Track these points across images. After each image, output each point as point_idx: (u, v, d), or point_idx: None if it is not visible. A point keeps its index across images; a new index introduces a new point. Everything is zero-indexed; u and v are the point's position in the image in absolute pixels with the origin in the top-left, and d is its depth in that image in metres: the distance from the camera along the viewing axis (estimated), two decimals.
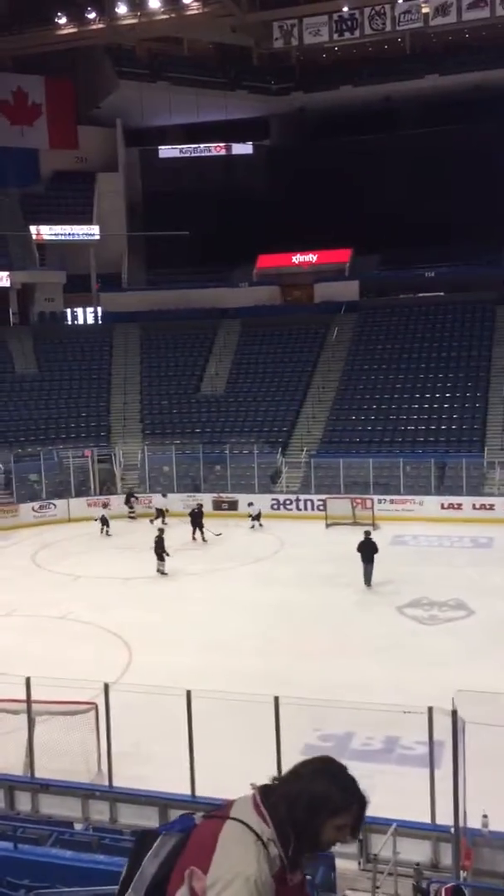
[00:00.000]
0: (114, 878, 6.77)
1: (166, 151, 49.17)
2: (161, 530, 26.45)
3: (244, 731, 12.69)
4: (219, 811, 1.77)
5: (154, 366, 41.50)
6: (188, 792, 11.15)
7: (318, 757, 1.95)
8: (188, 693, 11.35)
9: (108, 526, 30.74)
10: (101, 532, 30.72)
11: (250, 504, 31.98)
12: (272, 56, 45.61)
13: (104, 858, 7.60)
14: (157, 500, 32.96)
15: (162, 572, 24.97)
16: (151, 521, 30.35)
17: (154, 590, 23.86)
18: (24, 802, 11.73)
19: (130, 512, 33.13)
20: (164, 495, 33.20)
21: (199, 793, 11.11)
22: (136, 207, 48.10)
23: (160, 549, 25.08)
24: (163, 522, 29.58)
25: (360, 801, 1.83)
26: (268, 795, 1.77)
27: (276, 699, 10.94)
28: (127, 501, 33.48)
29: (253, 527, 30.60)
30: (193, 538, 28.72)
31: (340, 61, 45.09)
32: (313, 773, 1.80)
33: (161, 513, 31.29)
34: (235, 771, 11.86)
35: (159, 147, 49.15)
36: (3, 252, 43.62)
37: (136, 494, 33.77)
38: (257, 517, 30.89)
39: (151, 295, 45.03)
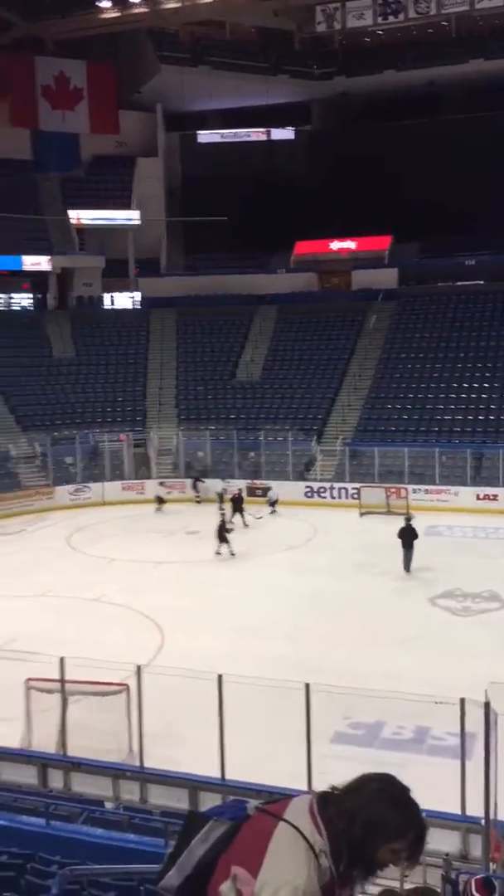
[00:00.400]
0: (144, 857, 6.86)
1: (206, 136, 49.04)
2: (223, 514, 26.78)
3: (274, 717, 12.74)
4: (273, 806, 1.74)
5: (190, 351, 41.56)
6: (218, 775, 11.23)
7: (380, 775, 1.87)
8: (219, 677, 11.42)
9: (162, 503, 30.94)
10: (156, 509, 31.54)
11: (269, 489, 31.98)
12: (314, 40, 45.21)
13: (134, 838, 7.71)
14: (218, 485, 32.79)
15: (231, 553, 25.24)
16: (220, 509, 30.33)
17: (187, 574, 23.99)
18: (56, 780, 11.91)
19: (197, 496, 33.20)
20: (225, 480, 33.20)
21: (228, 776, 11.18)
22: (174, 192, 48.08)
23: (223, 533, 25.35)
24: (220, 508, 29.52)
25: (419, 829, 1.77)
26: (325, 805, 1.73)
27: (307, 686, 10.96)
28: (194, 486, 33.55)
29: (272, 512, 30.50)
30: (244, 524, 28.73)
31: (384, 45, 44.56)
32: (374, 794, 1.73)
33: (221, 497, 31.38)
34: (265, 756, 12.00)
35: (199, 132, 49.02)
36: (44, 237, 43.90)
37: (202, 479, 33.75)
38: (274, 503, 30.80)
39: (189, 280, 45.04)
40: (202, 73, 43.88)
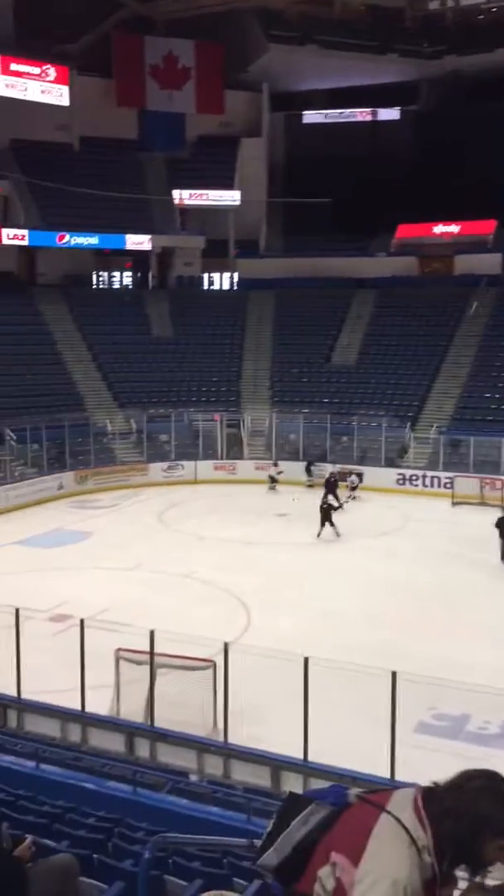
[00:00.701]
0: (226, 830, 7.00)
1: (311, 117, 48.63)
2: (328, 497, 26.86)
3: (357, 702, 12.76)
4: (376, 796, 1.74)
5: (286, 333, 41.53)
6: (300, 756, 11.33)
7: (483, 771, 1.84)
8: (306, 660, 11.50)
9: (276, 482, 31.41)
10: (269, 489, 32.14)
11: (348, 474, 31.62)
12: (425, 18, 44.17)
13: (217, 811, 7.87)
14: (327, 469, 32.56)
15: (336, 534, 25.59)
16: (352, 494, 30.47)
17: (275, 556, 24.14)
18: (142, 749, 12.25)
19: (309, 480, 32.76)
20: (334, 464, 33.12)
21: (310, 758, 11.27)
22: (277, 173, 47.92)
23: (328, 514, 25.66)
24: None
25: None
26: (429, 801, 1.71)
27: (394, 674, 10.94)
28: (307, 470, 33.24)
29: (354, 497, 30.19)
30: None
31: (496, 23, 43.15)
32: (477, 791, 1.71)
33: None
34: (347, 740, 12.04)
35: (304, 112, 48.65)
36: (146, 216, 44.50)
37: (316, 463, 33.51)
38: (354, 488, 30.60)
39: (288, 262, 44.92)
40: (309, 52, 43.49)
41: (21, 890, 3.24)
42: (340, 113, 47.97)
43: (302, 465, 33.79)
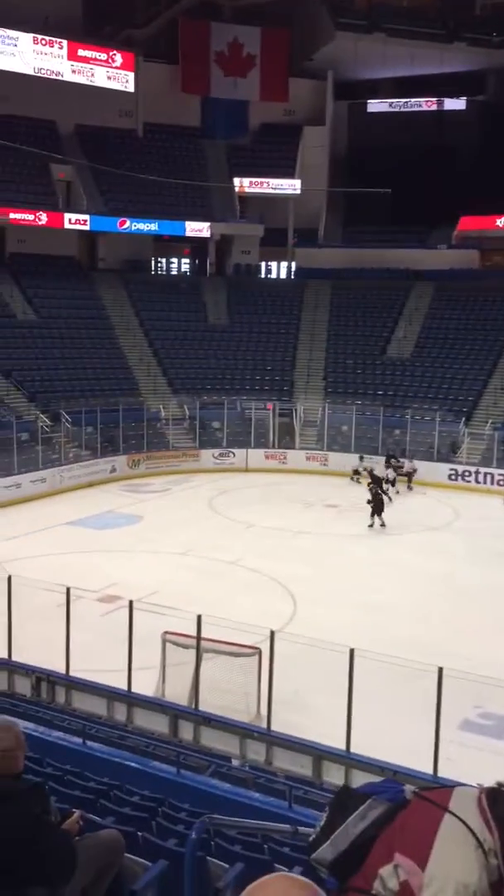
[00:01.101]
0: (267, 816, 7.07)
1: (375, 105, 48.09)
2: (373, 487, 26.76)
3: (401, 696, 12.74)
4: (434, 794, 1.71)
5: (342, 324, 41.33)
6: (342, 747, 11.36)
7: None
8: (351, 651, 11.50)
9: (358, 475, 31.20)
10: (352, 480, 31.69)
11: (400, 466, 31.40)
12: (495, 6, 43.31)
13: (259, 796, 7.95)
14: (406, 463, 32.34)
15: (381, 524, 25.81)
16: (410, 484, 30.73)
17: (323, 546, 24.14)
18: (186, 732, 12.39)
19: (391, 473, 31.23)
20: (411, 458, 32.80)
21: (353, 749, 11.29)
22: (338, 162, 47.57)
23: (379, 505, 25.87)
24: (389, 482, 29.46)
25: None
26: (495, 803, 1.70)
27: (440, 669, 10.88)
28: (387, 463, 31.66)
29: (397, 491, 29.84)
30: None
31: None
32: None
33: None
34: (389, 733, 12.01)
35: (368, 101, 48.15)
36: (206, 203, 44.61)
37: (397, 457, 32.43)
38: (393, 482, 29.88)
39: (346, 252, 44.62)
40: (376, 39, 42.98)
41: (71, 862, 3.33)
42: (405, 102, 47.34)
43: (354, 456, 33.61)
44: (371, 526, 25.84)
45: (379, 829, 1.65)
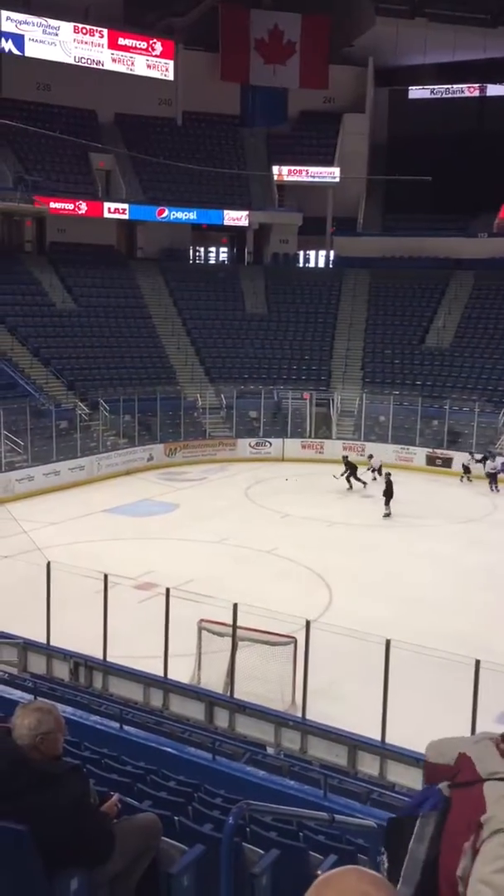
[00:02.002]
0: (302, 803, 7.08)
1: (416, 92, 47.51)
2: (387, 474, 26.75)
3: (437, 688, 12.67)
4: (460, 775, 1.72)
5: (381, 313, 41.05)
6: (377, 737, 11.34)
7: None
8: (387, 642, 11.47)
9: (469, 473, 30.56)
10: (462, 479, 30.75)
11: (370, 456, 30.75)
12: None
13: (294, 784, 7.97)
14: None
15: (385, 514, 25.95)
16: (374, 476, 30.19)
17: (357, 536, 24.07)
18: (221, 719, 12.46)
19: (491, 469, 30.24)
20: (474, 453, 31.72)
21: (388, 740, 11.27)
22: (378, 150, 47.10)
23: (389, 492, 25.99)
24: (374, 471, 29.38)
25: None
26: None
27: (477, 662, 10.82)
28: (483, 461, 30.59)
29: (375, 479, 29.20)
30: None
31: None
32: None
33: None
34: (424, 725, 11.94)
35: (409, 87, 47.59)
36: (245, 191, 44.51)
37: (496, 455, 31.01)
38: (378, 470, 29.14)
39: (385, 241, 44.22)
40: (418, 25, 42.37)
41: (110, 844, 3.38)
42: (447, 88, 46.71)
43: (391, 448, 33.46)
44: (388, 514, 25.89)
45: (439, 840, 1.63)
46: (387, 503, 26.06)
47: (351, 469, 29.37)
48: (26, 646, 13.82)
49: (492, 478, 29.80)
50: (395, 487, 26.13)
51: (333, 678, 13.65)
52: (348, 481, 29.28)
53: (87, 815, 3.36)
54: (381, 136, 47.39)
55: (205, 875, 3.96)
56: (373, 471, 29.43)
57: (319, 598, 18.63)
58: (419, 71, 47.05)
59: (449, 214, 43.42)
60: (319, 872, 1.67)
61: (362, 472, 29.56)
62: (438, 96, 46.95)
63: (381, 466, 29.23)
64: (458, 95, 46.71)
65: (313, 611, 16.40)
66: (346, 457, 30.26)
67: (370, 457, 30.57)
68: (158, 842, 3.90)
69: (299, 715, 12.26)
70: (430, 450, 33.28)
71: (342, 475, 29.18)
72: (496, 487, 29.55)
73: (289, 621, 13.23)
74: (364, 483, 29.09)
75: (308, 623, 12.44)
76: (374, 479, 29.01)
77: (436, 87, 46.93)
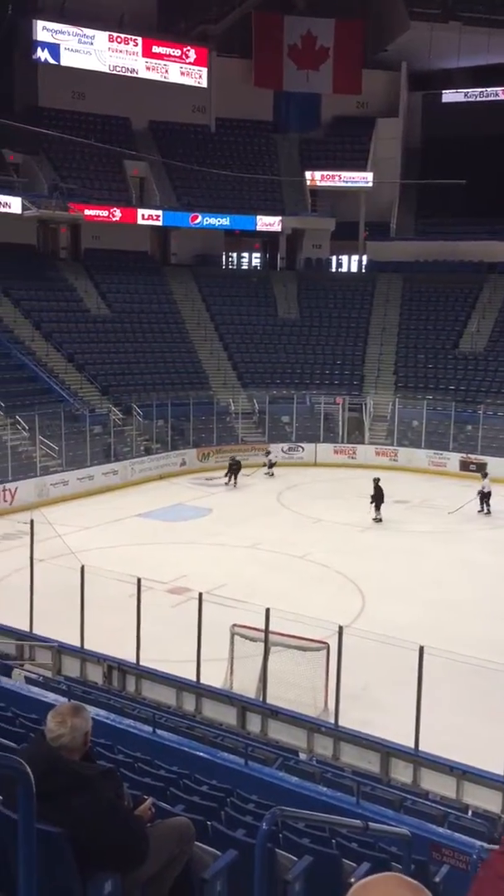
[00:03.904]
0: (335, 810, 7.06)
1: (450, 96, 47.22)
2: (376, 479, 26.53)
3: (471, 696, 12.57)
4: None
5: (414, 318, 40.82)
6: (411, 745, 11.26)
7: None
8: (421, 648, 11.39)
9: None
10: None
11: (268, 453, 32.78)
12: None
13: (327, 791, 7.94)
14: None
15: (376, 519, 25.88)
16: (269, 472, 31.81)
17: (390, 542, 23.94)
18: (253, 724, 12.45)
19: None
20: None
21: (421, 748, 11.19)
22: (412, 154, 46.90)
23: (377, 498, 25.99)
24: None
25: None
26: None
27: None
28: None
29: (268, 475, 31.68)
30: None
31: None
32: None
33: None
34: (459, 734, 11.87)
35: (443, 91, 47.33)
36: (278, 197, 44.57)
37: None
38: (272, 466, 31.92)
39: (418, 245, 43.98)
40: (451, 28, 42.21)
41: (144, 847, 3.39)
42: (481, 91, 46.37)
43: (423, 453, 33.22)
44: (379, 520, 25.76)
45: None
46: (377, 508, 25.89)
47: (233, 469, 30.52)
48: (61, 649, 13.93)
49: (270, 467, 32.15)
50: (427, 493, 25.92)
51: (367, 684, 13.58)
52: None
53: (122, 818, 3.38)
54: (414, 140, 47.19)
55: (237, 881, 3.97)
56: (269, 466, 31.84)
57: (352, 603, 18.55)
58: (453, 74, 46.82)
59: (482, 218, 43.06)
60: (353, 880, 1.64)
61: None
62: (472, 99, 46.61)
63: (274, 463, 31.84)
64: (492, 98, 46.34)
65: (346, 616, 16.34)
66: (234, 456, 31.37)
67: (267, 453, 32.69)
68: (192, 846, 3.91)
69: (332, 721, 12.20)
70: (464, 455, 32.99)
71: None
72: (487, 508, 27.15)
73: (321, 626, 13.18)
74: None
75: (341, 628, 12.39)
76: (270, 475, 31.51)
77: (469, 90, 46.62)
